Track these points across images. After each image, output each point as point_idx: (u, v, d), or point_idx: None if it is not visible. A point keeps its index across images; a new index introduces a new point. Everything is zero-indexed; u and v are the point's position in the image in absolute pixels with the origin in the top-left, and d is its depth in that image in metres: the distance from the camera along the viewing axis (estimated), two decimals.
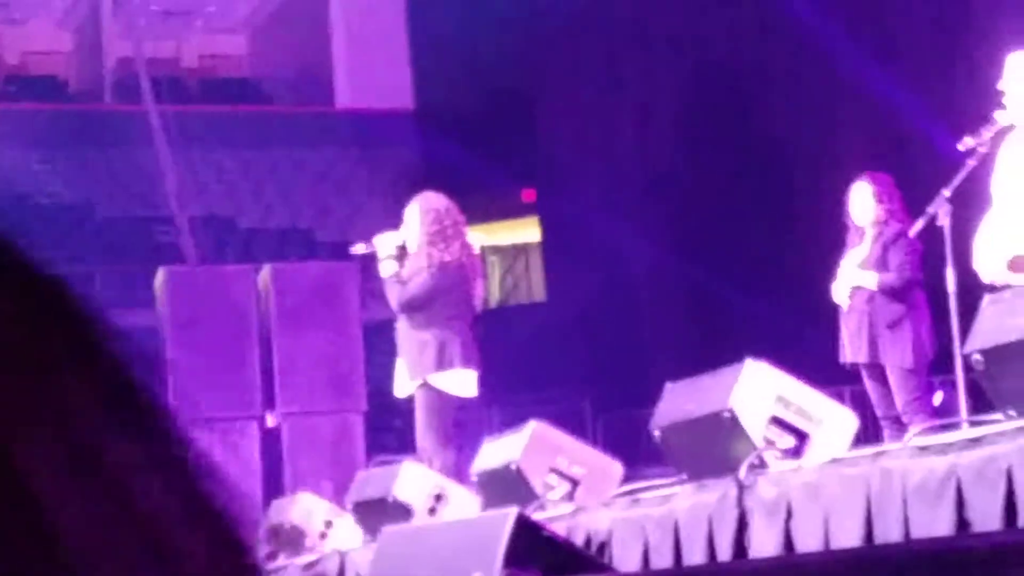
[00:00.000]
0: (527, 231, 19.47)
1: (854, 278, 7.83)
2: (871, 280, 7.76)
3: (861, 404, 9.83)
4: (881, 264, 7.75)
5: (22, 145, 19.46)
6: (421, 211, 8.06)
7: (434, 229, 8.01)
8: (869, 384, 7.96)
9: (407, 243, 8.06)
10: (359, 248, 8.28)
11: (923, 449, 4.90)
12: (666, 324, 14.41)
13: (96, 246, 18.71)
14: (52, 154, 19.55)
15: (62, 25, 22.56)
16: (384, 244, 8.11)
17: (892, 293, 7.70)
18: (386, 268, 8.08)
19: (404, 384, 8.14)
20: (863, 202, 7.91)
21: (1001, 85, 6.57)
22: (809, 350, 9.25)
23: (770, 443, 5.65)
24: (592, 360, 14.98)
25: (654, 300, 14.88)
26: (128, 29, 19.34)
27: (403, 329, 8.05)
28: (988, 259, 6.24)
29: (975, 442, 4.75)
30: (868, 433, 8.08)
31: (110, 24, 21.34)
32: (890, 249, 7.69)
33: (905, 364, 7.66)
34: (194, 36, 22.75)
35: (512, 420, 7.38)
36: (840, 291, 7.89)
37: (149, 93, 16.86)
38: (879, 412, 7.95)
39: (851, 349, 7.90)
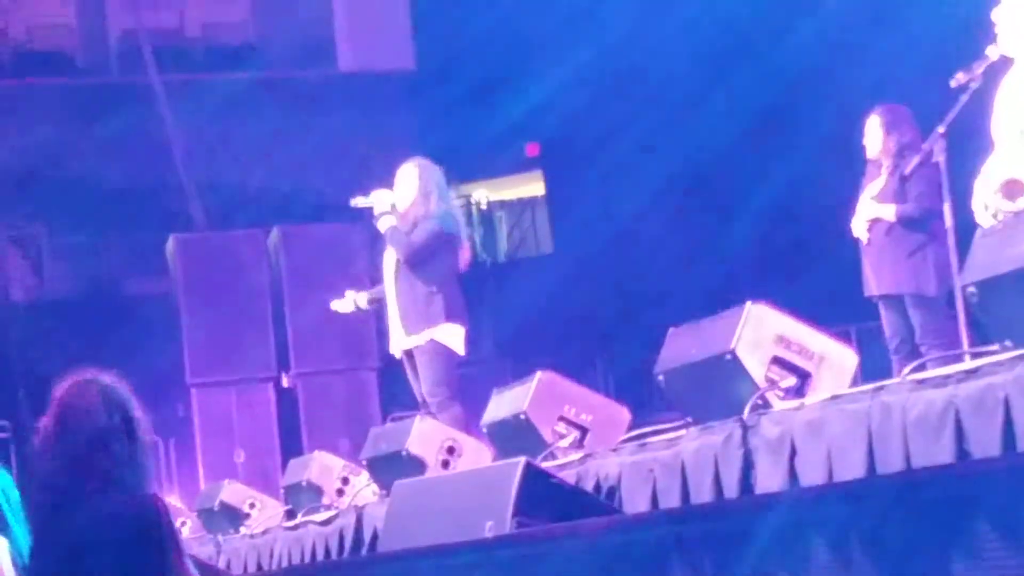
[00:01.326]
0: (532, 185, 19.53)
1: (872, 211, 7.82)
2: (889, 212, 7.75)
3: (868, 341, 9.88)
4: (899, 195, 7.74)
5: (31, 120, 19.53)
6: (420, 168, 8.23)
7: (438, 182, 8.21)
8: (887, 317, 7.92)
9: (399, 203, 8.20)
10: (359, 201, 8.44)
11: (921, 382, 4.97)
12: (673, 270, 14.46)
13: (108, 217, 18.80)
14: (61, 128, 19.61)
15: None
16: (382, 199, 8.26)
17: (911, 223, 7.69)
18: (384, 222, 8.22)
19: (401, 340, 8.23)
20: (874, 134, 7.91)
21: (994, 16, 6.55)
22: (815, 289, 9.32)
23: (772, 383, 5.73)
24: (602, 309, 15.05)
25: (661, 246, 14.93)
26: (131, 0, 19.36)
27: (405, 283, 8.15)
28: (983, 191, 6.24)
29: (972, 373, 4.81)
30: (880, 371, 8.11)
31: None
32: (908, 180, 7.66)
33: (927, 292, 7.65)
34: (196, 4, 22.72)
35: (523, 372, 7.48)
36: (859, 225, 7.88)
37: (152, 64, 16.91)
38: (892, 346, 7.93)
39: (874, 282, 7.89)
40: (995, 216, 5.86)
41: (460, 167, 21.40)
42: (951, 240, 6.85)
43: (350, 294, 8.71)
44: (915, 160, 7.18)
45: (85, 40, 22.01)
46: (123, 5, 20.74)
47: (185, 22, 22.38)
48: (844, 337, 12.06)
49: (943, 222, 7.53)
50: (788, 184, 12.91)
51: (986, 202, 5.94)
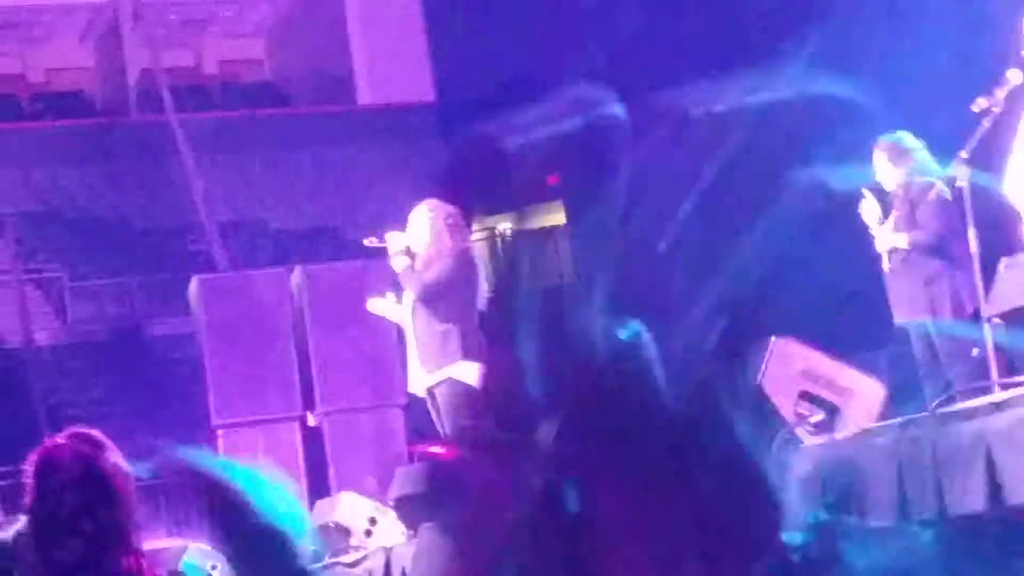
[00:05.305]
0: (554, 215, 19.51)
1: (888, 240, 7.84)
2: (902, 240, 7.76)
3: (900, 367, 9.82)
4: (911, 223, 7.74)
5: (52, 162, 19.61)
6: (431, 210, 8.20)
7: (450, 222, 8.18)
8: (915, 343, 7.91)
9: (412, 245, 8.17)
10: (372, 242, 8.42)
11: (950, 416, 4.92)
12: (697, 300, 14.40)
13: (130, 258, 18.85)
14: (82, 169, 19.69)
15: (84, 40, 22.68)
16: (395, 240, 8.23)
17: (925, 250, 7.68)
18: (398, 263, 8.19)
19: (420, 379, 8.19)
20: (880, 167, 7.93)
21: None
22: (847, 317, 9.26)
23: (801, 418, 5.69)
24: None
25: (683, 277, 14.86)
26: (148, 40, 19.44)
27: (421, 321, 8.12)
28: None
29: (1000, 406, 4.76)
30: (912, 394, 8.03)
31: (130, 36, 21.44)
32: (918, 207, 7.67)
33: (943, 319, 7.62)
34: (213, 43, 22.84)
35: None
36: (883, 257, 7.89)
37: (170, 103, 16.97)
38: (922, 372, 7.90)
39: (897, 310, 7.90)
40: None
41: (482, 199, 21.47)
42: (976, 266, 6.80)
43: (391, 296, 8.62)
44: (923, 186, 7.17)
45: (104, 81, 22.13)
46: (140, 45, 20.83)
47: (202, 60, 22.51)
48: (874, 363, 12.01)
49: (960, 246, 7.50)
50: (815, 208, 12.83)
51: None
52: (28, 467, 3.67)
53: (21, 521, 4.11)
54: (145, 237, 19.18)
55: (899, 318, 7.88)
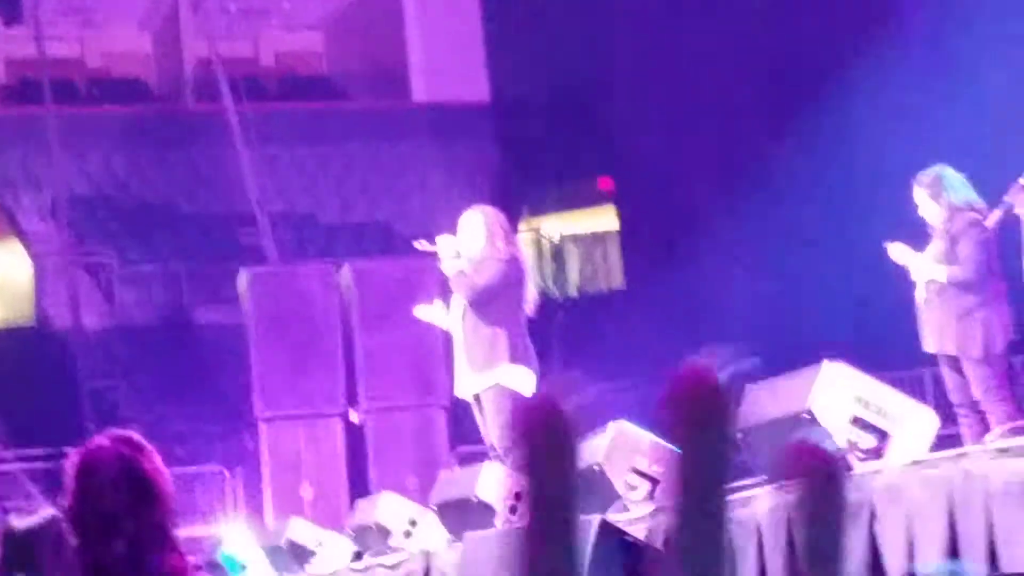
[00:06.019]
0: (604, 219, 19.47)
1: (927, 272, 7.81)
2: (941, 273, 7.73)
3: (942, 387, 9.76)
4: (952, 257, 7.71)
5: (106, 147, 19.74)
6: (484, 214, 8.21)
7: (502, 226, 8.20)
8: (945, 373, 7.90)
9: (463, 249, 8.16)
10: (422, 244, 8.41)
11: (1004, 451, 4.88)
12: (742, 313, 14.35)
13: (180, 246, 18.96)
14: (135, 155, 19.80)
15: (142, 27, 22.80)
16: (446, 245, 8.23)
17: (962, 285, 7.65)
18: (449, 267, 8.19)
19: (467, 383, 8.17)
20: (921, 202, 7.90)
21: None
22: (891, 334, 9.22)
23: (851, 443, 5.65)
24: (671, 348, 14.93)
25: (730, 288, 14.82)
26: (206, 30, 19.53)
27: (469, 324, 8.10)
28: None
29: None
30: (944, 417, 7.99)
31: (189, 25, 21.56)
32: (959, 242, 7.63)
33: (974, 354, 7.60)
34: (271, 35, 22.93)
35: (592, 408, 7.36)
36: (918, 285, 7.87)
37: (227, 93, 17.03)
38: (955, 400, 7.88)
39: (928, 340, 7.90)
40: None
41: (532, 200, 21.53)
42: None
43: (439, 303, 8.60)
44: (996, 213, 7.11)
45: (161, 69, 22.25)
46: (198, 34, 20.93)
47: (260, 52, 22.59)
48: (919, 382, 11.93)
49: (999, 282, 7.44)
50: (874, 229, 12.78)
51: None
52: (69, 468, 3.68)
53: (44, 515, 4.14)
54: (195, 225, 19.28)
55: (930, 348, 7.87)
